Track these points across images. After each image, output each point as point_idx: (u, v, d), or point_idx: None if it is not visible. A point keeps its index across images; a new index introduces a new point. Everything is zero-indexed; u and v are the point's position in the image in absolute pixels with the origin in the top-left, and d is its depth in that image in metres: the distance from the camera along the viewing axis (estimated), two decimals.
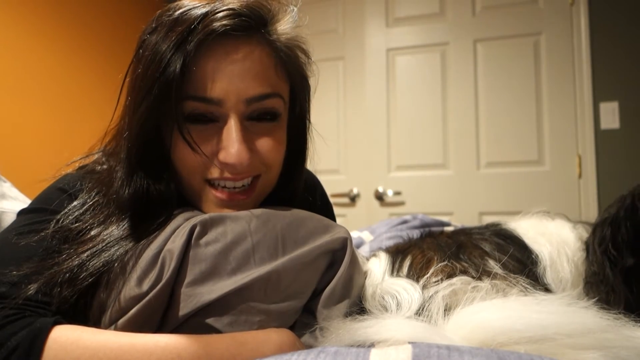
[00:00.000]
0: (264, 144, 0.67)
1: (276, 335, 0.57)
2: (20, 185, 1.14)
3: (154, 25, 0.66)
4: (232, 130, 0.63)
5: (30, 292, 0.56)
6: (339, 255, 0.65)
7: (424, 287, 0.67)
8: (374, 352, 0.46)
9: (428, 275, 0.68)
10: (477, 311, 0.59)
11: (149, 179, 0.65)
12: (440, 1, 2.69)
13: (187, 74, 0.61)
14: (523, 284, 0.68)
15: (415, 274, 0.70)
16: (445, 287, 0.65)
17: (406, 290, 0.66)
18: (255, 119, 0.66)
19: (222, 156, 0.64)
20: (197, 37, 0.61)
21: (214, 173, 0.66)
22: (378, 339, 0.52)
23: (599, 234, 0.74)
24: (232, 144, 0.63)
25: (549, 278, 0.75)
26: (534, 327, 0.51)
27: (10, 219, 0.92)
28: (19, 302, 0.55)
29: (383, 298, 0.66)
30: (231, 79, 0.63)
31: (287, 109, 0.71)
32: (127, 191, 0.64)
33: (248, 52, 0.64)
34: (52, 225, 0.63)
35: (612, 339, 0.50)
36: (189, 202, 0.69)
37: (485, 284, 0.65)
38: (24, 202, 1.04)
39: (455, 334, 0.55)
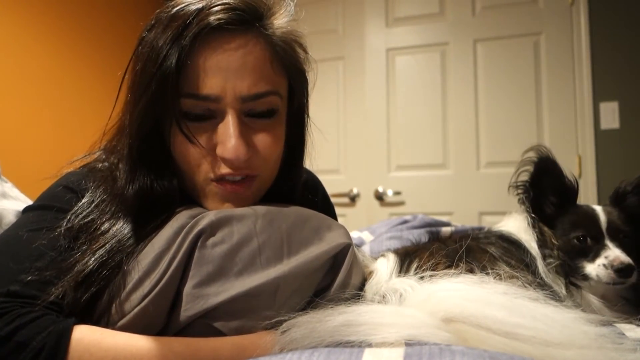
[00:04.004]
0: (262, 140, 0.67)
1: (270, 338, 0.57)
2: (21, 186, 1.14)
3: (152, 22, 0.66)
4: (229, 125, 0.63)
5: (56, 294, 0.56)
6: (340, 258, 0.66)
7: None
8: (367, 351, 0.47)
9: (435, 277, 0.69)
10: (443, 288, 0.62)
11: (152, 175, 0.65)
12: (440, 1, 2.69)
13: (183, 69, 0.61)
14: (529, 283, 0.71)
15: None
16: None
17: (412, 288, 0.66)
18: (254, 115, 0.66)
19: (220, 151, 0.64)
20: (192, 31, 0.61)
21: (215, 171, 0.65)
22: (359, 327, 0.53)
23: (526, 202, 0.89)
24: (228, 138, 0.63)
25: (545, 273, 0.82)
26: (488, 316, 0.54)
27: (11, 217, 0.92)
28: (44, 304, 0.55)
29: (386, 295, 0.67)
30: (227, 74, 0.63)
31: (285, 105, 0.71)
32: (131, 187, 0.64)
33: (243, 46, 0.64)
34: (64, 223, 0.62)
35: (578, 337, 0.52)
36: (191, 198, 0.69)
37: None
38: (25, 202, 1.04)
39: (420, 306, 0.58)
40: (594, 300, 0.81)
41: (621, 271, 0.78)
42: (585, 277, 0.81)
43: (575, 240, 0.84)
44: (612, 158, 2.39)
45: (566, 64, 2.48)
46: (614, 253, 0.80)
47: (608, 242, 0.82)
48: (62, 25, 2.30)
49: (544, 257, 0.83)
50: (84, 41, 2.41)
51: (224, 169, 0.65)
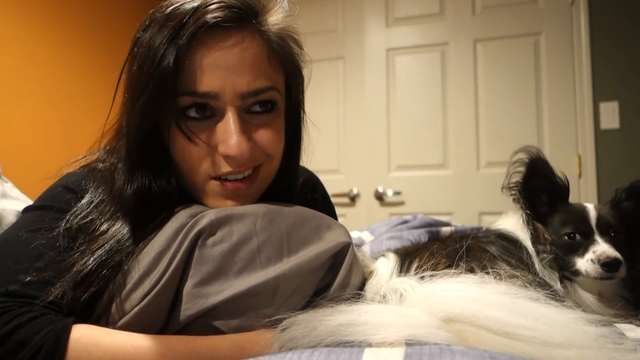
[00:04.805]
0: (264, 135, 0.67)
1: (269, 336, 0.57)
2: (21, 186, 1.14)
3: (147, 22, 0.66)
4: (229, 122, 0.63)
5: (55, 294, 0.56)
6: (340, 257, 0.66)
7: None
8: (367, 351, 0.47)
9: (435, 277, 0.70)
10: (443, 288, 0.62)
11: (151, 175, 0.65)
12: (440, 1, 2.69)
13: (181, 68, 0.61)
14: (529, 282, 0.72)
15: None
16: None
17: (412, 287, 0.66)
18: (253, 112, 0.66)
19: (222, 149, 0.64)
20: (189, 30, 0.61)
21: (216, 170, 0.65)
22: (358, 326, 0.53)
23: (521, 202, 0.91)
24: (230, 135, 0.63)
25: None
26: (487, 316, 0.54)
27: (11, 218, 0.92)
28: (43, 303, 0.55)
29: (386, 295, 0.67)
30: (226, 72, 0.63)
31: (283, 100, 0.71)
32: (130, 188, 0.64)
33: (240, 44, 0.64)
34: (64, 224, 0.62)
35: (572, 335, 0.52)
36: (191, 196, 0.69)
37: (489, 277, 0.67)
38: (25, 202, 1.04)
39: (420, 306, 0.59)
40: (590, 297, 0.81)
41: (608, 265, 0.79)
42: (576, 273, 0.82)
43: (566, 237, 0.85)
44: (612, 158, 2.39)
45: (566, 64, 2.48)
46: (601, 248, 0.81)
47: (597, 238, 0.83)
48: (64, 23, 2.30)
49: (538, 253, 0.84)
50: (85, 40, 2.41)
51: (226, 168, 0.65)
